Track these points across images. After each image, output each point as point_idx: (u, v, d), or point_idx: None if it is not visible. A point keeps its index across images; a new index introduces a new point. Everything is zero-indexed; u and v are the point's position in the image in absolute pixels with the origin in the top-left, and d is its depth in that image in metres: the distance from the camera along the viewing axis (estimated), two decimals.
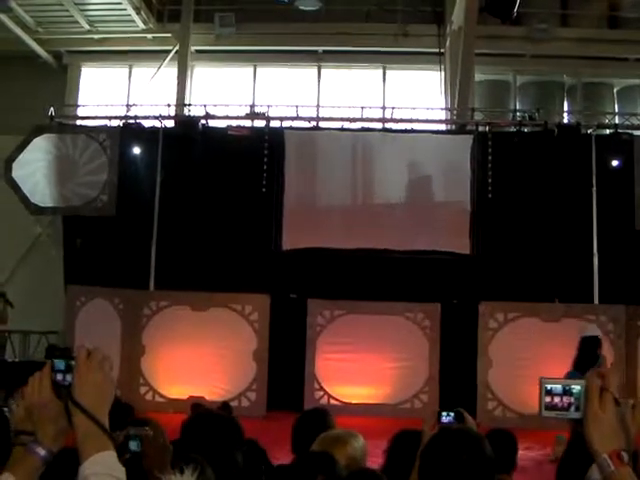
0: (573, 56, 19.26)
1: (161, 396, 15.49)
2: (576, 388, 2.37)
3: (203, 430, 3.90)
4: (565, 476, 4.44)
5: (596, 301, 16.03)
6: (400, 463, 4.13)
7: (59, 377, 2.25)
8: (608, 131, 17.18)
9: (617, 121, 17.52)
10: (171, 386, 15.42)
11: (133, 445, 3.23)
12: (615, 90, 20.25)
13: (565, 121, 18.84)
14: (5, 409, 2.75)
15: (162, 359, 15.52)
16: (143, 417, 4.43)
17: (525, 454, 10.34)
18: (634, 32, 19.21)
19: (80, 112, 18.68)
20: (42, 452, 2.24)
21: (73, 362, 2.23)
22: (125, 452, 3.12)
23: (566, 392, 2.38)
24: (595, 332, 12.48)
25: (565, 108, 20.10)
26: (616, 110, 19.55)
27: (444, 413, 3.88)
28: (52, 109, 17.24)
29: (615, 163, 16.35)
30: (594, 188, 16.29)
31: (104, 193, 16.90)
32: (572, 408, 2.37)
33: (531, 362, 14.04)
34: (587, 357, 11.36)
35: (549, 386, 2.39)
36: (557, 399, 2.38)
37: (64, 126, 17.53)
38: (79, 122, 18.22)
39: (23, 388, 2.56)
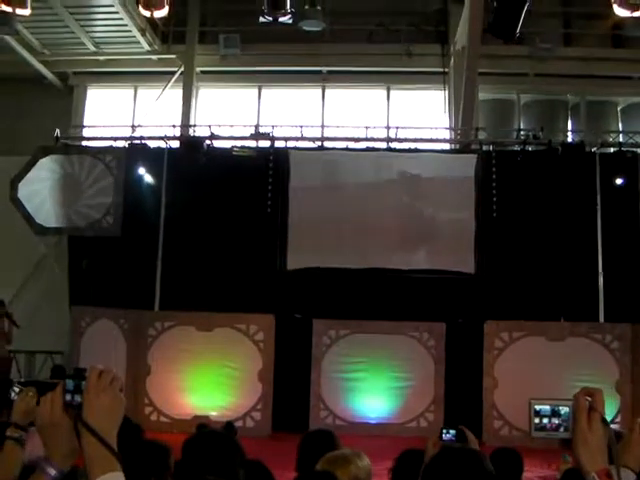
0: (576, 75, 19.33)
1: (165, 416, 15.48)
2: (564, 409, 2.41)
3: (204, 448, 3.91)
4: None
5: (602, 319, 16.02)
6: None
7: (68, 397, 2.26)
8: (612, 149, 17.21)
9: (621, 139, 17.58)
10: (176, 407, 15.41)
11: None
12: (619, 108, 20.30)
13: (569, 140, 18.90)
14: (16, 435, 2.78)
15: (167, 379, 15.52)
16: (152, 440, 4.44)
17: (531, 473, 10.31)
18: (637, 51, 19.28)
19: (86, 133, 18.84)
20: (53, 472, 2.26)
21: (83, 382, 2.24)
22: None
23: (554, 413, 2.43)
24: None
25: (569, 127, 20.16)
26: (620, 128, 19.59)
27: (445, 430, 3.90)
28: (58, 130, 17.32)
29: (619, 181, 16.36)
30: (599, 206, 16.31)
31: (109, 214, 16.97)
32: (561, 428, 2.41)
33: (537, 381, 13.99)
34: None
35: (538, 407, 2.44)
36: (545, 420, 2.42)
37: (70, 147, 17.59)
38: (85, 143, 18.30)
39: (29, 387, 2.60)
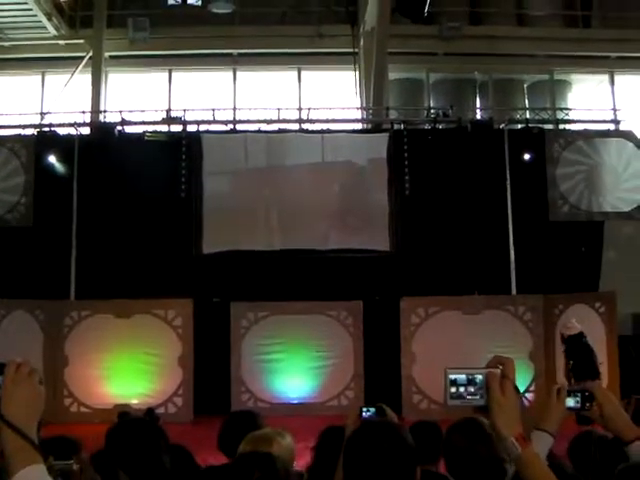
0: (484, 53, 19.65)
1: (86, 407, 15.25)
2: (479, 377, 2.48)
3: (127, 437, 3.91)
4: None
5: (514, 292, 16.41)
6: (327, 459, 4.19)
7: None
8: (519, 126, 17.59)
9: (528, 116, 18.00)
10: (96, 396, 15.20)
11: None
12: (525, 86, 20.72)
13: (478, 117, 19.25)
14: None
15: (86, 369, 15.29)
16: (66, 437, 4.39)
17: None
18: (542, 29, 19.74)
19: None
20: None
21: (0, 377, 2.20)
22: None
23: (470, 381, 2.48)
24: (576, 329, 12.72)
25: (477, 104, 20.49)
26: (527, 105, 20.01)
27: (365, 409, 3.97)
28: None
29: (527, 157, 16.76)
30: (508, 182, 16.67)
31: (20, 204, 16.63)
32: (477, 396, 2.48)
33: (454, 355, 14.18)
34: (580, 355, 11.72)
35: (453, 376, 2.49)
36: (462, 389, 2.48)
37: None
38: None
39: None
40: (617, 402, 2.99)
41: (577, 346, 12.51)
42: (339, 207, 16.88)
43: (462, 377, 2.49)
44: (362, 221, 16.60)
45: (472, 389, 2.47)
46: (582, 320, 14.53)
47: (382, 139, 17.00)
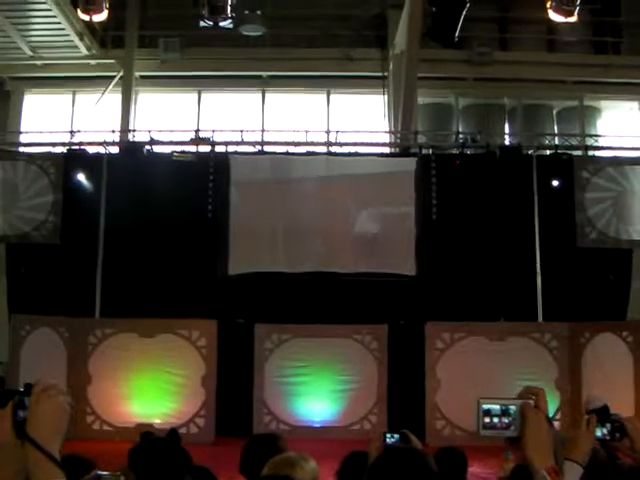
0: (513, 79, 19.61)
1: (108, 425, 15.29)
2: (512, 408, 2.45)
3: (150, 457, 3.89)
4: None
5: (540, 319, 16.28)
6: None
7: (17, 414, 2.24)
8: (548, 152, 17.53)
9: (557, 142, 17.93)
10: (118, 414, 15.24)
11: None
12: (554, 112, 20.62)
13: (507, 143, 19.18)
14: None
15: (109, 387, 15.33)
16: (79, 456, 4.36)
17: (475, 471, 10.42)
18: (572, 55, 19.68)
19: (23, 139, 18.54)
20: None
21: (27, 398, 2.23)
22: None
23: (504, 412, 2.46)
24: (602, 401, 12.46)
25: (506, 130, 20.42)
26: (555, 131, 19.91)
27: (389, 435, 3.93)
28: None
29: (556, 183, 16.68)
30: (536, 208, 16.58)
31: (48, 222, 16.77)
32: (511, 427, 2.46)
33: (479, 381, 14.15)
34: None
35: (487, 406, 2.46)
36: (496, 419, 2.46)
37: (7, 153, 17.34)
38: (22, 149, 18.04)
39: None
40: None
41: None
42: (366, 231, 16.84)
43: (496, 407, 2.48)
44: (389, 245, 16.55)
45: (506, 420, 2.46)
46: (610, 348, 14.46)
47: (410, 163, 16.98)
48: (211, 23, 17.01)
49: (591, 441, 2.90)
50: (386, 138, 18.79)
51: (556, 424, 14.71)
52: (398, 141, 18.14)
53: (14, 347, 15.71)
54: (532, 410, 2.43)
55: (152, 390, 15.28)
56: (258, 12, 18.35)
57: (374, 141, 18.02)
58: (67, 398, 2.28)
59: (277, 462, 4.24)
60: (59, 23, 17.90)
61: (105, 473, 3.24)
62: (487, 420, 2.46)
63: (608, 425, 2.93)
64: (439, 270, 16.41)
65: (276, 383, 15.69)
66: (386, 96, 19.43)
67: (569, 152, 17.36)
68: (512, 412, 2.45)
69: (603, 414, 2.97)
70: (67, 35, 18.53)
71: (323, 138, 18.23)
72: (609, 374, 14.69)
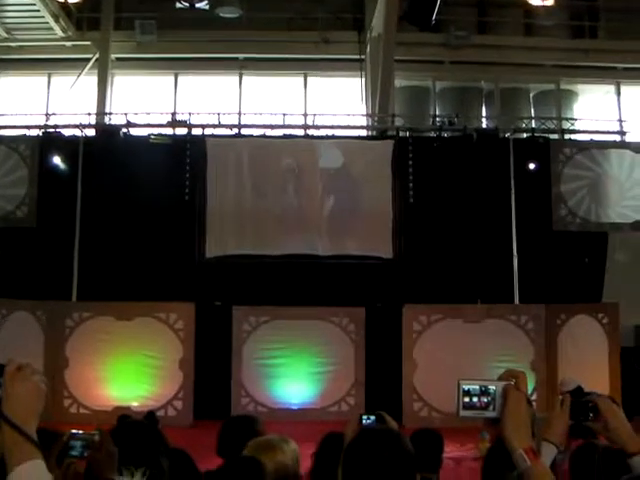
0: (490, 62, 19.67)
1: (86, 408, 15.26)
2: (492, 388, 2.48)
3: (126, 439, 3.88)
4: (490, 472, 4.56)
5: (517, 301, 16.39)
6: (327, 465, 4.18)
7: None
8: (525, 135, 17.61)
9: (533, 125, 18.00)
10: (96, 398, 15.20)
11: (76, 449, 3.19)
12: (531, 95, 20.70)
13: (484, 126, 19.22)
14: None
15: (86, 371, 15.29)
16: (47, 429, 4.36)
17: (452, 452, 10.53)
18: (549, 39, 19.73)
19: None
20: None
21: (1, 378, 2.23)
22: (67, 456, 3.10)
23: (483, 392, 2.48)
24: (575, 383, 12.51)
25: (483, 113, 20.48)
26: (532, 115, 19.98)
27: (365, 416, 3.95)
28: None
29: (532, 166, 16.74)
30: (512, 191, 16.69)
31: (24, 204, 16.64)
32: (490, 407, 2.48)
33: (455, 363, 14.23)
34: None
35: (467, 387, 2.48)
36: (475, 399, 2.48)
37: None
38: None
39: None
40: (621, 413, 2.97)
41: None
42: (343, 213, 16.85)
43: (475, 387, 2.49)
44: (366, 228, 16.57)
45: (485, 399, 2.47)
46: (586, 330, 14.59)
47: (387, 146, 16.99)
48: (187, 5, 16.96)
49: (565, 421, 2.92)
50: (363, 121, 18.78)
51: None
52: (375, 124, 18.13)
53: None
54: (514, 391, 2.45)
55: (130, 373, 15.26)
56: None
57: (351, 124, 18.00)
58: (42, 377, 2.28)
59: (257, 444, 4.27)
60: (34, 4, 17.75)
61: (80, 432, 3.23)
62: (467, 400, 2.48)
63: (582, 405, 2.96)
64: (416, 253, 16.48)
65: (254, 365, 15.72)
66: (363, 79, 19.41)
67: (546, 135, 17.46)
68: (491, 392, 2.47)
69: (577, 394, 2.99)
70: (42, 17, 18.37)
71: (300, 121, 18.21)
72: (584, 355, 14.85)
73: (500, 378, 2.52)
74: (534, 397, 15.00)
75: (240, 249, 16.53)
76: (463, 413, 2.48)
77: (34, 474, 2.13)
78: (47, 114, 18.73)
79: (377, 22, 18.06)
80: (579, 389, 11.92)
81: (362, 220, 16.66)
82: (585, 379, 12.20)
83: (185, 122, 17.41)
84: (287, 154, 17.02)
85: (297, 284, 16.09)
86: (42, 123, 17.74)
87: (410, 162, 16.69)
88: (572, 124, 18.44)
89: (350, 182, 16.98)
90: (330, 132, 17.42)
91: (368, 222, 16.61)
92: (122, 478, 2.67)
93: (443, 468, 5.67)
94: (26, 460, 2.13)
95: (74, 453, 3.15)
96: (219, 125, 17.42)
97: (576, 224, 16.95)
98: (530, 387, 14.94)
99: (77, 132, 17.15)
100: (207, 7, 17.23)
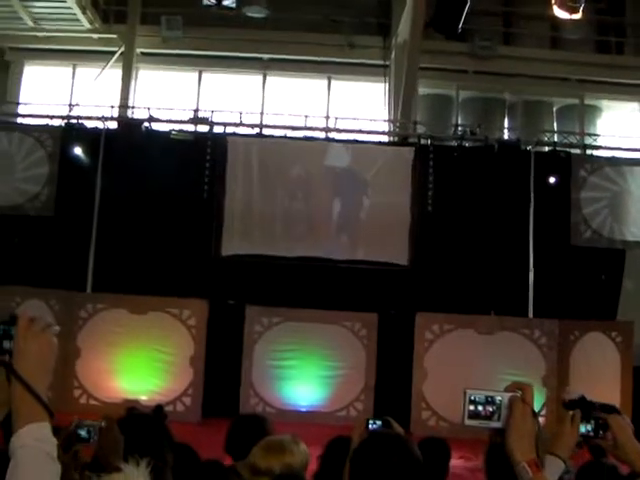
0: (515, 74, 19.61)
1: (95, 399, 15.28)
2: (498, 398, 2.48)
3: (132, 431, 3.89)
4: None
5: (531, 315, 16.32)
6: (333, 469, 4.17)
7: None
8: (547, 148, 17.55)
9: (555, 139, 17.92)
10: (106, 389, 15.22)
11: (83, 435, 3.19)
12: (554, 109, 20.63)
13: (505, 137, 19.16)
14: None
15: (97, 362, 15.31)
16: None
17: (458, 463, 10.47)
18: (574, 53, 19.66)
19: (21, 110, 18.45)
20: None
21: (13, 328, 2.19)
22: (75, 441, 3.10)
23: (488, 401, 2.48)
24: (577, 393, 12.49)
25: (505, 124, 20.42)
26: (555, 128, 19.91)
27: (371, 421, 3.95)
28: None
29: (552, 180, 16.69)
30: (532, 204, 16.60)
31: (42, 193, 16.70)
32: (495, 416, 2.48)
33: (465, 373, 14.17)
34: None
35: (473, 395, 2.48)
36: (480, 407, 2.47)
37: (4, 124, 17.26)
38: (20, 120, 17.96)
39: None
40: (631, 432, 2.95)
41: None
42: (361, 218, 16.85)
43: (481, 396, 2.49)
44: (383, 234, 16.55)
45: (490, 409, 2.48)
46: (599, 348, 14.50)
47: (407, 153, 16.98)
48: (214, 2, 16.98)
49: (575, 437, 2.93)
50: (385, 127, 18.76)
51: (541, 420, 14.76)
52: (397, 130, 18.13)
53: (2, 318, 15.62)
54: (520, 402, 2.44)
55: (140, 367, 15.27)
56: None
57: (373, 129, 17.98)
58: (54, 329, 2.23)
59: (268, 444, 4.25)
60: None
61: (86, 420, 3.24)
62: (472, 408, 2.48)
63: (592, 422, 2.95)
64: (432, 261, 16.44)
65: (264, 366, 15.70)
66: (387, 85, 19.40)
67: (567, 150, 17.37)
68: (497, 402, 2.47)
69: (581, 404, 2.98)
70: (69, 8, 18.44)
71: (322, 124, 18.22)
72: (596, 373, 14.76)
73: (507, 389, 2.52)
74: (544, 413, 14.92)
75: (255, 249, 16.53)
76: (468, 422, 2.49)
77: (39, 436, 2.06)
78: (70, 105, 18.79)
79: (403, 29, 18.05)
80: (583, 399, 11.91)
81: (380, 226, 16.61)
82: (596, 397, 12.09)
83: (207, 119, 17.44)
84: (307, 156, 17.02)
85: (311, 287, 16.09)
86: (65, 114, 17.80)
87: (430, 170, 16.67)
88: (594, 140, 18.35)
89: (369, 187, 16.94)
90: (351, 136, 17.40)
91: (386, 228, 16.57)
92: (127, 466, 2.67)
93: (449, 478, 5.66)
94: (33, 421, 2.06)
95: (81, 438, 3.17)
96: (241, 124, 17.43)
97: (594, 240, 16.85)
98: (540, 403, 14.87)
99: (99, 124, 17.19)
100: (234, 5, 17.27)
